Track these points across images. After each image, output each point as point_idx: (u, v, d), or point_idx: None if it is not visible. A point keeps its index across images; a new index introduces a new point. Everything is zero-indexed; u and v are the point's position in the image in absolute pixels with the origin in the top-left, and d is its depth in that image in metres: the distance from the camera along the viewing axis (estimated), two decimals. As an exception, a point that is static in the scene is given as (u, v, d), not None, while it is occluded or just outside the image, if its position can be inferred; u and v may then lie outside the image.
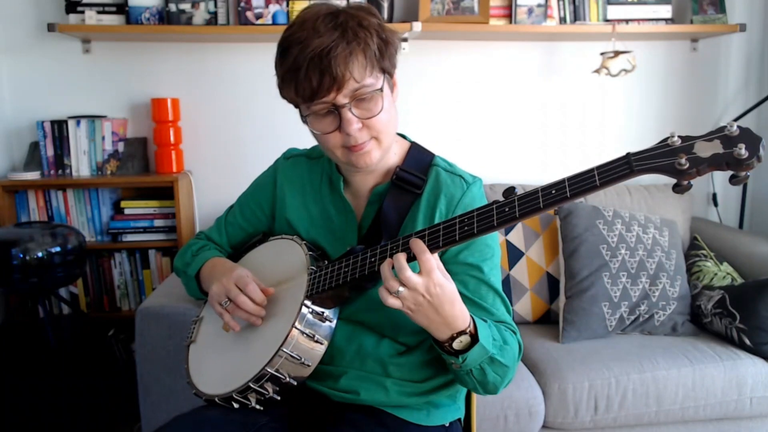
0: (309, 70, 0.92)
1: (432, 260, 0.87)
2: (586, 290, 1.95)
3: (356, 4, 1.00)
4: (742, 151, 0.68)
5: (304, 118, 1.00)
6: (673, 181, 0.74)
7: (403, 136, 1.17)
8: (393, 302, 0.88)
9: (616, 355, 1.81)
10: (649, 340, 1.93)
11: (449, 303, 0.89)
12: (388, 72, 1.01)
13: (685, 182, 0.73)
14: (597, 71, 2.31)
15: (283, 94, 1.01)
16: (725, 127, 0.72)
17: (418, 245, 0.88)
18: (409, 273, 0.86)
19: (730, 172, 0.71)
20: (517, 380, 1.72)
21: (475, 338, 0.93)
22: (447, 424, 1.12)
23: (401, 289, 0.87)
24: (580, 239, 2.01)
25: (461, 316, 0.91)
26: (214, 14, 2.19)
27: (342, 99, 0.95)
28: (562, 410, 1.72)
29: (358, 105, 0.97)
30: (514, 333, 1.05)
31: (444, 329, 0.91)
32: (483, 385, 0.99)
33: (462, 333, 0.92)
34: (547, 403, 1.72)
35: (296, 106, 1.05)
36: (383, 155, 1.04)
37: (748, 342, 1.83)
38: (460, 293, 1.03)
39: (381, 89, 0.97)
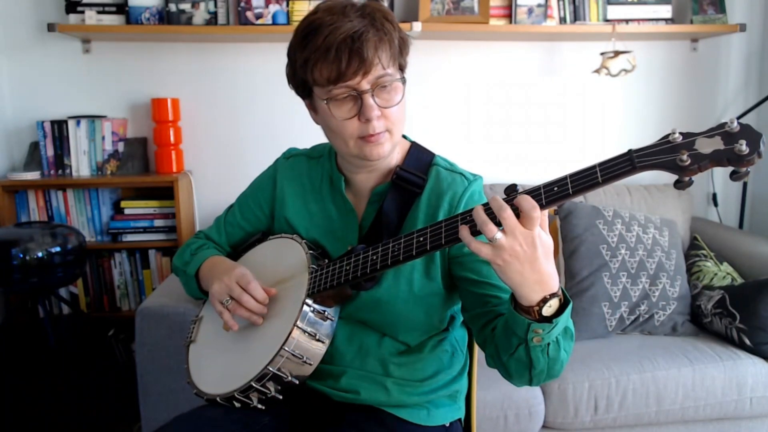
0: (339, 51, 0.93)
1: (538, 218, 0.78)
2: (586, 290, 1.95)
3: (375, 2, 1.02)
4: (743, 147, 0.69)
5: (325, 102, 0.98)
6: (674, 178, 0.74)
7: (404, 136, 1.17)
8: (479, 247, 0.80)
9: (616, 355, 1.81)
10: (649, 340, 1.93)
11: (546, 257, 0.81)
12: (402, 69, 1.03)
13: (686, 178, 0.73)
14: (597, 71, 2.31)
15: (301, 78, 1.00)
16: (726, 123, 0.72)
17: (528, 201, 0.78)
18: (510, 212, 0.78)
19: (730, 169, 0.71)
20: (517, 380, 1.72)
21: (565, 302, 0.85)
22: (447, 424, 1.12)
23: (499, 235, 0.78)
24: (580, 239, 2.01)
25: (554, 274, 0.83)
26: (214, 14, 2.19)
27: (365, 85, 0.95)
28: (562, 410, 1.72)
29: (379, 93, 0.97)
30: None
31: (537, 288, 0.82)
32: (552, 364, 0.90)
33: (554, 295, 0.83)
34: (547, 403, 1.72)
35: (306, 96, 1.04)
36: (393, 149, 1.04)
37: (748, 342, 1.83)
38: (474, 281, 1.02)
39: (401, 79, 1.00)
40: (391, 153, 1.04)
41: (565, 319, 0.87)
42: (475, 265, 1.02)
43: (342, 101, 0.97)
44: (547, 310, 0.84)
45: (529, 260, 0.79)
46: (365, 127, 0.98)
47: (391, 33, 0.97)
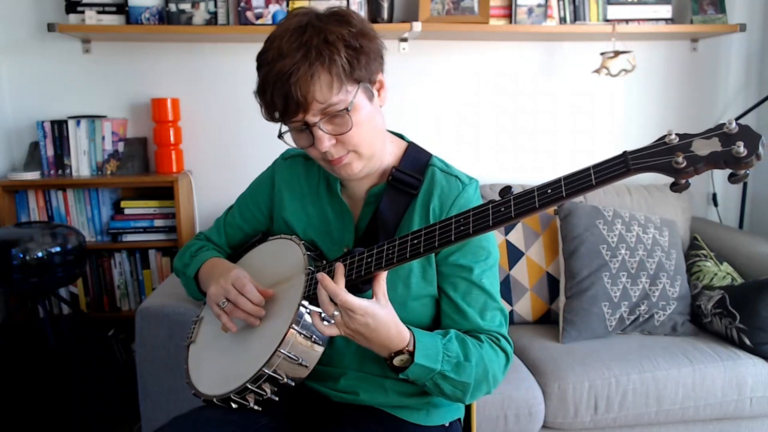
0: (274, 93, 0.93)
1: (349, 300, 0.89)
2: (586, 290, 1.95)
3: (331, 12, 0.98)
4: (741, 149, 0.67)
5: (281, 135, 1.01)
6: (671, 177, 0.73)
7: (401, 136, 1.16)
8: (329, 331, 0.93)
9: (616, 355, 1.81)
10: (649, 340, 1.93)
11: (380, 327, 0.91)
12: (364, 81, 0.98)
13: (683, 181, 0.72)
14: (597, 71, 2.31)
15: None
16: (724, 124, 0.70)
17: (329, 288, 0.90)
18: (327, 301, 0.91)
19: (728, 171, 0.70)
20: (517, 380, 1.72)
21: (413, 357, 0.94)
22: (447, 424, 1.12)
23: (336, 312, 0.90)
24: (580, 239, 2.01)
25: (397, 336, 0.93)
26: (214, 14, 2.19)
27: (312, 118, 0.94)
28: (562, 410, 1.72)
29: (330, 121, 0.96)
30: (498, 340, 1.04)
31: (383, 350, 0.95)
32: (446, 396, 1.00)
33: (399, 353, 0.94)
34: (547, 403, 1.72)
35: None
36: (366, 165, 1.03)
37: (748, 342, 1.83)
38: (449, 297, 1.04)
39: (347, 109, 0.94)
40: (365, 169, 1.03)
41: (420, 372, 0.94)
42: (454, 279, 1.04)
43: (298, 132, 0.98)
44: (398, 362, 0.95)
45: (365, 332, 0.91)
46: (324, 154, 0.98)
47: (330, 56, 0.92)
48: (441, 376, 0.96)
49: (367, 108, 0.99)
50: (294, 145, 1.02)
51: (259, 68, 0.98)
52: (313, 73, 0.91)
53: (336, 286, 0.90)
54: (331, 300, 0.90)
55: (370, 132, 1.00)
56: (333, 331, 0.93)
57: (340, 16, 0.97)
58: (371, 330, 0.91)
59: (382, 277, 0.93)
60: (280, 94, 0.92)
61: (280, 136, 1.01)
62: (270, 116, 0.98)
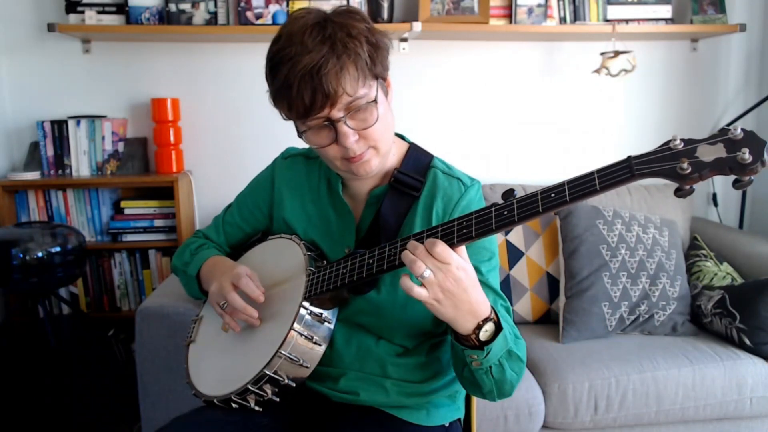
0: (301, 88, 0.91)
1: (447, 249, 0.83)
2: (586, 290, 1.95)
3: (343, 9, 0.98)
4: (746, 155, 0.66)
5: (301, 134, 1.00)
6: (675, 183, 0.72)
7: (402, 137, 1.16)
8: (419, 292, 0.83)
9: (616, 355, 1.81)
10: (649, 340, 1.93)
11: (473, 286, 0.86)
12: (381, 76, 0.99)
13: (687, 187, 0.71)
14: (597, 71, 2.31)
15: (277, 108, 1.00)
16: (729, 130, 0.70)
17: (431, 240, 0.85)
18: (424, 251, 0.83)
19: (733, 177, 0.69)
20: (517, 380, 1.72)
21: (498, 326, 0.90)
22: (447, 425, 1.12)
23: (427, 273, 0.82)
24: (580, 239, 2.01)
25: (484, 301, 0.88)
26: (214, 14, 2.19)
27: (336, 113, 0.94)
28: (562, 410, 1.72)
29: (354, 117, 0.95)
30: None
31: (470, 318, 0.87)
32: (500, 384, 0.94)
33: (487, 320, 0.88)
34: (547, 403, 1.72)
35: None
36: (382, 161, 1.03)
37: (748, 342, 1.83)
38: None
39: (375, 100, 0.96)
40: (380, 166, 1.03)
41: (501, 344, 0.90)
42: None
43: (318, 130, 0.97)
44: (484, 335, 0.88)
45: (458, 292, 0.84)
46: (346, 151, 0.97)
47: (355, 50, 0.92)
48: (508, 353, 0.92)
49: (384, 104, 1.00)
50: (314, 145, 1.00)
51: (277, 66, 0.94)
52: (342, 65, 0.91)
53: (435, 239, 0.85)
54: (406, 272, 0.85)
55: (387, 128, 1.01)
56: (423, 294, 0.83)
57: (354, 13, 0.97)
58: (463, 289, 0.84)
59: (461, 247, 0.87)
60: (308, 88, 0.90)
61: (300, 135, 1.00)
62: (290, 115, 0.97)
